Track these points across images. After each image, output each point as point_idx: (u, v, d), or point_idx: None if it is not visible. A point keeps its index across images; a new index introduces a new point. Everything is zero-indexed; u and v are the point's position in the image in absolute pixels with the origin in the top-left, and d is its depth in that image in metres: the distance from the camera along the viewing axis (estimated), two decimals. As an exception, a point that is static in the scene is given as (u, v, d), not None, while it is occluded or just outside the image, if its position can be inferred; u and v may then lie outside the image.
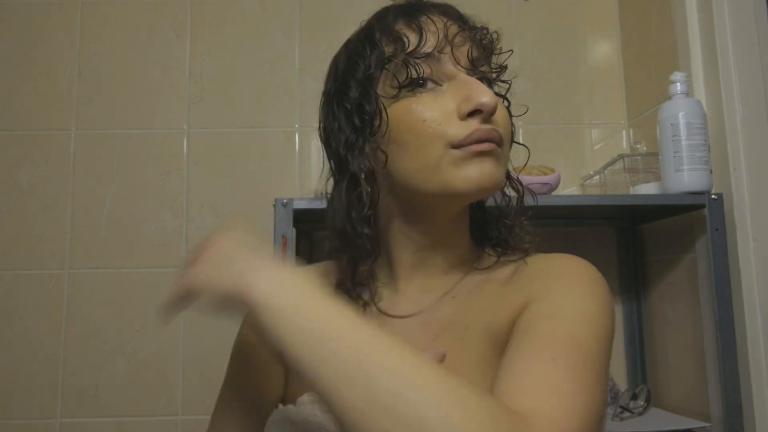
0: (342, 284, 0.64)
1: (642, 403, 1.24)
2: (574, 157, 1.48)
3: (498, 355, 0.54)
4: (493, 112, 0.57)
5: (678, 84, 1.13)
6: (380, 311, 0.65)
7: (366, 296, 0.65)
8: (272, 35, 1.49)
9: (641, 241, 1.42)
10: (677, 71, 1.15)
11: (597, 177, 1.38)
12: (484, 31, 0.62)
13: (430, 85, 0.58)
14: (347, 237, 0.62)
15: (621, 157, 1.29)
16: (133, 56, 1.47)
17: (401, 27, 0.60)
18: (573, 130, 1.50)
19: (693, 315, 1.21)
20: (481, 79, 0.59)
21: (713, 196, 1.11)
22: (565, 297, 0.55)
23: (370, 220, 0.62)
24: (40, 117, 1.43)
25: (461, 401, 0.41)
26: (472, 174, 0.56)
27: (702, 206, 1.12)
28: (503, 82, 0.65)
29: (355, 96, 0.60)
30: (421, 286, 0.64)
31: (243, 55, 1.48)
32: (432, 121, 0.56)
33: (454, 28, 0.59)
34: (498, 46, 0.64)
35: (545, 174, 1.20)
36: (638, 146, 1.32)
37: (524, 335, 0.52)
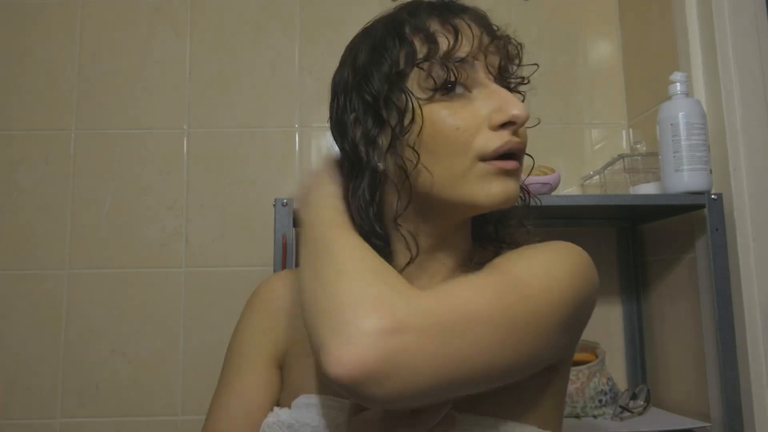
0: None
1: (642, 403, 1.24)
2: (574, 157, 1.48)
3: None
4: (524, 124, 0.57)
5: (678, 84, 1.13)
6: None
7: None
8: (272, 35, 1.49)
9: (641, 241, 1.42)
10: (677, 71, 1.15)
11: (597, 177, 1.38)
12: (510, 41, 0.62)
13: (460, 90, 0.57)
14: (362, 234, 0.60)
15: (621, 157, 1.29)
16: (133, 56, 1.47)
17: (436, 27, 0.58)
18: (573, 130, 1.50)
19: (693, 315, 1.21)
20: (508, 89, 0.60)
21: (713, 196, 1.11)
22: (524, 259, 0.57)
23: (381, 220, 0.62)
24: (40, 117, 1.43)
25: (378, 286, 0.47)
26: (496, 191, 0.57)
27: (702, 206, 1.12)
28: (519, 93, 0.65)
29: (380, 89, 0.58)
30: (423, 288, 0.64)
31: (243, 55, 1.48)
32: (464, 131, 0.56)
33: (486, 37, 0.59)
34: (521, 57, 0.64)
35: (545, 174, 1.20)
36: (638, 146, 1.32)
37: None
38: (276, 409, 0.64)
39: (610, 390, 1.23)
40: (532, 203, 0.68)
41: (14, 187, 1.41)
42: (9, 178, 1.41)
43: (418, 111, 0.57)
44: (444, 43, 0.57)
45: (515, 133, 0.57)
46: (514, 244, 0.65)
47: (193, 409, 1.35)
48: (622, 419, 1.19)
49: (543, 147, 1.46)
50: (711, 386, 1.15)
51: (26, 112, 1.43)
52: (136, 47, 1.47)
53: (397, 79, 0.58)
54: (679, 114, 1.11)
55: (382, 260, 0.52)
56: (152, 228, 1.41)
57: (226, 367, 0.70)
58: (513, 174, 0.58)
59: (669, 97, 1.14)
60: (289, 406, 0.63)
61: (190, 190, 1.43)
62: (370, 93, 0.59)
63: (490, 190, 0.57)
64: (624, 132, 1.49)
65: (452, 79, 0.56)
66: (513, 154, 0.57)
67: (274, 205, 1.09)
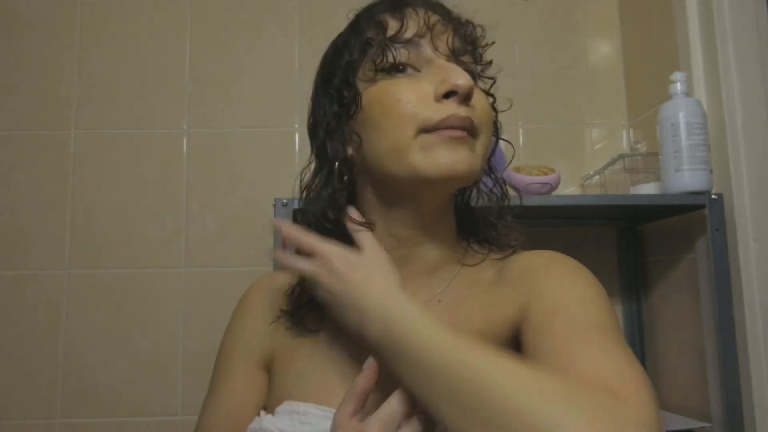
0: None
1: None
2: (574, 157, 1.48)
3: None
4: (468, 93, 0.56)
5: (678, 84, 1.13)
6: None
7: None
8: (272, 35, 1.49)
9: (641, 241, 1.42)
10: (677, 71, 1.15)
11: (597, 177, 1.38)
12: (468, 24, 0.63)
13: (409, 71, 0.59)
14: (326, 226, 0.61)
15: (621, 157, 1.29)
16: (133, 56, 1.47)
17: (385, 16, 0.61)
18: (573, 130, 1.49)
19: (693, 315, 1.21)
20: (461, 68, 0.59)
21: (713, 196, 1.11)
22: (558, 290, 0.57)
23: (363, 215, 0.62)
24: (40, 117, 1.43)
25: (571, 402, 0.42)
26: (442, 159, 0.55)
27: (702, 206, 1.12)
28: (489, 78, 0.65)
29: (337, 83, 0.62)
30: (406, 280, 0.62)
31: (243, 55, 1.48)
32: (406, 102, 0.56)
33: (435, 17, 0.60)
34: (482, 41, 0.64)
35: (545, 174, 1.20)
36: (638, 146, 1.32)
37: (541, 333, 0.53)
38: (261, 414, 0.63)
39: (610, 390, 1.23)
40: (513, 202, 0.68)
41: (14, 187, 1.41)
42: (8, 178, 1.41)
43: (361, 94, 0.59)
44: (392, 29, 0.59)
45: (463, 103, 0.56)
46: (504, 246, 0.66)
47: (193, 409, 1.35)
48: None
49: (543, 147, 1.46)
50: (711, 386, 1.15)
51: (26, 112, 1.43)
52: (136, 47, 1.47)
53: (348, 69, 0.61)
54: (679, 114, 1.11)
55: (526, 364, 0.47)
56: (152, 228, 1.41)
57: (215, 370, 0.70)
58: (462, 142, 0.56)
59: (669, 97, 1.14)
60: (273, 413, 0.62)
61: (190, 190, 1.43)
62: (332, 87, 0.62)
63: (437, 158, 0.55)
64: (624, 132, 1.49)
65: (391, 59, 0.58)
66: (461, 128, 0.56)
67: (274, 205, 1.09)
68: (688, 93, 1.14)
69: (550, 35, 1.52)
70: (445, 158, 0.55)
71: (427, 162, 0.55)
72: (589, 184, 1.43)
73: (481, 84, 0.64)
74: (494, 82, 0.65)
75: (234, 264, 1.40)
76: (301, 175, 0.67)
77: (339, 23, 0.69)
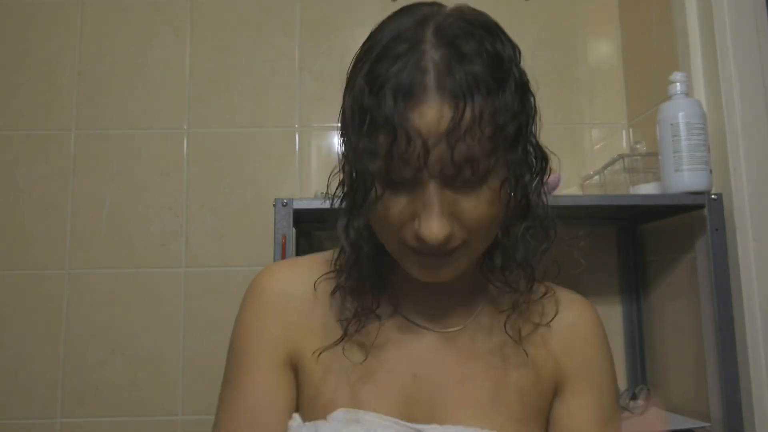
0: (361, 285, 0.62)
1: (642, 403, 1.24)
2: (574, 157, 1.48)
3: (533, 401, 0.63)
4: (434, 248, 0.53)
5: (678, 84, 1.13)
6: (406, 319, 0.64)
7: (385, 302, 0.64)
8: (272, 35, 1.49)
9: (641, 241, 1.42)
10: (677, 71, 1.15)
11: (597, 177, 1.38)
12: (480, 104, 0.51)
13: (409, 186, 0.53)
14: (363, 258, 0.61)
15: (621, 157, 1.29)
16: (133, 56, 1.47)
17: (395, 117, 0.51)
18: (573, 130, 1.50)
19: (693, 315, 1.21)
20: (462, 178, 0.52)
21: (713, 196, 1.11)
22: (604, 392, 0.67)
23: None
24: (40, 117, 1.43)
25: None
26: (421, 275, 0.58)
27: (702, 206, 1.12)
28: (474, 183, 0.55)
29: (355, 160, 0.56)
30: (437, 308, 0.65)
31: (243, 55, 1.48)
32: (392, 223, 0.55)
33: (431, 129, 0.50)
34: (498, 115, 0.52)
35: (545, 174, 1.20)
36: (638, 146, 1.32)
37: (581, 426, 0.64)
38: (296, 417, 0.60)
39: (610, 390, 1.23)
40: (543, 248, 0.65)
41: (14, 187, 1.41)
42: (9, 178, 1.41)
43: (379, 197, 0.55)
44: (396, 148, 0.51)
45: (434, 250, 0.54)
46: (517, 285, 0.63)
47: (193, 409, 1.35)
48: (622, 420, 1.19)
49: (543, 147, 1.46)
50: (711, 386, 1.15)
51: (26, 112, 1.43)
52: (135, 47, 1.47)
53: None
54: (679, 114, 1.11)
55: None
56: (152, 228, 1.41)
57: (233, 365, 0.64)
58: (441, 265, 0.56)
59: (669, 97, 1.14)
60: (321, 417, 0.59)
61: (190, 190, 1.43)
62: (355, 149, 0.55)
63: (413, 270, 0.58)
64: (624, 132, 1.49)
65: (393, 178, 0.53)
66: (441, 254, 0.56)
67: (274, 205, 1.09)
68: (688, 93, 1.14)
69: (550, 35, 1.52)
70: (431, 276, 0.58)
71: (416, 273, 0.58)
72: (589, 184, 1.43)
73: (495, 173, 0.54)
74: (517, 169, 0.56)
75: (234, 264, 1.40)
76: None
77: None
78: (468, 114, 0.50)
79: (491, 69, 0.52)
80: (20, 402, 1.34)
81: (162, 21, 1.48)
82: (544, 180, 0.65)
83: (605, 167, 1.34)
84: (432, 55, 0.52)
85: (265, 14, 1.49)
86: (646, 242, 1.41)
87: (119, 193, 1.42)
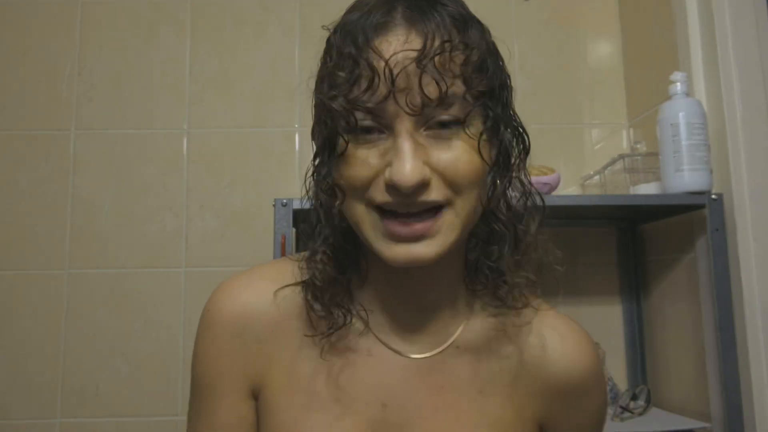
0: (327, 292, 0.56)
1: (642, 403, 1.24)
2: (574, 157, 1.48)
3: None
4: (410, 192, 0.48)
5: (678, 84, 1.13)
6: (378, 340, 0.58)
7: (355, 318, 0.58)
8: (272, 35, 1.49)
9: (641, 241, 1.42)
10: (677, 71, 1.15)
11: (597, 177, 1.38)
12: (457, 47, 0.49)
13: (376, 133, 0.50)
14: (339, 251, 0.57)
15: (621, 157, 1.29)
16: (133, 56, 1.47)
17: (351, 56, 0.50)
18: (573, 130, 1.50)
19: (693, 315, 1.21)
20: (437, 120, 0.49)
21: (713, 196, 1.11)
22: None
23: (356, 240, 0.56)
24: (40, 117, 1.43)
25: None
26: (396, 257, 0.50)
27: (702, 206, 1.12)
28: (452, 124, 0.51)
29: (321, 123, 0.54)
30: (413, 326, 0.58)
31: (243, 54, 1.48)
32: (355, 179, 0.50)
33: (399, 61, 0.48)
34: (480, 62, 0.50)
35: (545, 174, 1.20)
36: (638, 146, 1.32)
37: None
38: None
39: (610, 390, 1.23)
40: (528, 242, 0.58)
41: (14, 187, 1.41)
42: (9, 178, 1.41)
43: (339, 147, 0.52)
44: (355, 88, 0.49)
45: (410, 198, 0.49)
46: (511, 308, 0.58)
47: (193, 409, 1.35)
48: (622, 420, 1.19)
49: (543, 147, 1.46)
50: (711, 386, 1.15)
51: (26, 112, 1.43)
52: (136, 47, 1.47)
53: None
54: (679, 114, 1.11)
55: None
56: (152, 228, 1.41)
57: (193, 400, 0.60)
58: (417, 238, 0.50)
59: (669, 97, 1.14)
60: None
61: (190, 190, 1.43)
62: (319, 121, 0.55)
63: (392, 253, 0.50)
64: (624, 132, 1.49)
65: (356, 125, 0.50)
66: (412, 220, 0.50)
67: (274, 205, 1.09)
68: (688, 93, 1.14)
69: (550, 35, 1.52)
70: (398, 254, 0.50)
71: (384, 252, 0.51)
72: (589, 184, 1.43)
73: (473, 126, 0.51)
74: (492, 114, 0.52)
75: (234, 264, 1.40)
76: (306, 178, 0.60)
77: (346, 14, 0.65)
78: (437, 42, 0.48)
79: (460, 14, 0.51)
80: (20, 402, 1.34)
81: (162, 21, 1.48)
82: (527, 163, 0.58)
83: (605, 167, 1.34)
84: (402, 2, 0.51)
85: (265, 14, 1.49)
86: (646, 242, 1.41)
87: (119, 193, 1.42)
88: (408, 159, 0.48)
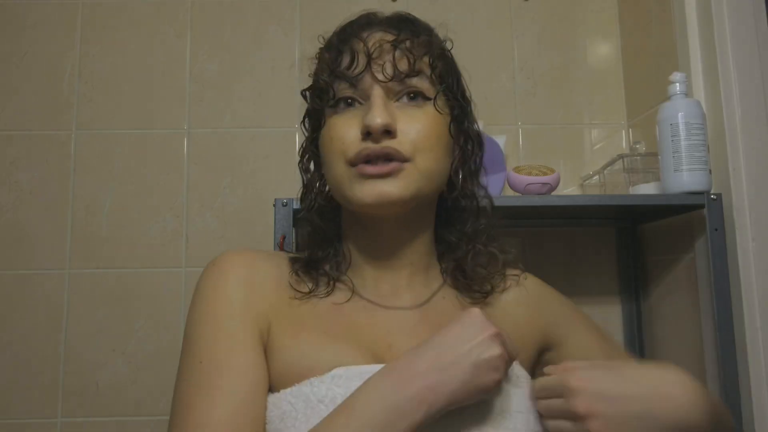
0: (315, 262, 0.68)
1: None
2: (574, 157, 1.48)
3: None
4: (381, 132, 0.59)
5: (677, 84, 1.13)
6: (370, 302, 0.66)
7: (343, 283, 0.67)
8: (272, 35, 1.49)
9: (641, 241, 1.42)
10: (677, 71, 1.15)
11: (597, 177, 1.38)
12: (420, 36, 0.64)
13: (355, 104, 0.63)
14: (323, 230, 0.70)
15: (621, 157, 1.29)
16: (133, 56, 1.47)
17: (339, 44, 0.65)
18: (573, 130, 1.50)
19: (693, 315, 1.21)
20: (405, 91, 0.62)
21: (712, 196, 1.11)
22: (585, 322, 0.78)
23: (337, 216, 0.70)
24: (40, 117, 1.43)
25: None
26: (366, 195, 0.60)
27: (701, 206, 1.12)
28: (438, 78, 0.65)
29: (309, 109, 0.69)
30: (396, 286, 0.68)
31: (243, 55, 1.48)
32: (337, 140, 0.61)
33: (378, 41, 0.62)
34: (438, 50, 0.65)
35: (545, 174, 1.20)
36: (638, 146, 1.32)
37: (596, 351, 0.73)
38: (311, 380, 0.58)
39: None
40: (484, 219, 0.70)
41: (14, 187, 1.41)
42: (9, 178, 1.41)
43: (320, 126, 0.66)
44: (334, 63, 0.63)
45: (378, 141, 0.59)
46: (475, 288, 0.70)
47: (193, 408, 1.35)
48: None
49: (543, 147, 1.46)
50: (711, 386, 1.15)
51: (26, 112, 1.43)
52: (136, 47, 1.47)
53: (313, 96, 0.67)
54: (678, 114, 1.11)
55: None
56: (152, 228, 1.41)
57: (209, 345, 0.61)
58: (385, 175, 0.60)
59: (668, 98, 1.14)
60: (279, 389, 0.58)
61: (190, 190, 1.43)
62: (310, 110, 0.70)
63: (362, 193, 0.60)
64: (624, 132, 1.49)
65: (334, 96, 0.62)
66: (380, 160, 0.60)
67: (274, 205, 1.09)
68: (687, 93, 1.14)
69: (550, 35, 1.52)
70: (366, 192, 0.60)
71: (356, 195, 0.61)
72: (589, 184, 1.43)
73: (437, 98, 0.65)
74: (442, 87, 0.65)
75: (234, 264, 1.40)
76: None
77: (339, 23, 0.70)
78: (409, 35, 0.63)
79: (427, 26, 0.67)
80: (20, 402, 1.34)
81: (162, 21, 1.48)
82: (482, 164, 0.71)
83: (605, 167, 1.34)
84: (382, 14, 0.67)
85: (266, 14, 1.49)
86: (645, 242, 1.41)
87: (119, 193, 1.42)
88: (379, 107, 0.59)
